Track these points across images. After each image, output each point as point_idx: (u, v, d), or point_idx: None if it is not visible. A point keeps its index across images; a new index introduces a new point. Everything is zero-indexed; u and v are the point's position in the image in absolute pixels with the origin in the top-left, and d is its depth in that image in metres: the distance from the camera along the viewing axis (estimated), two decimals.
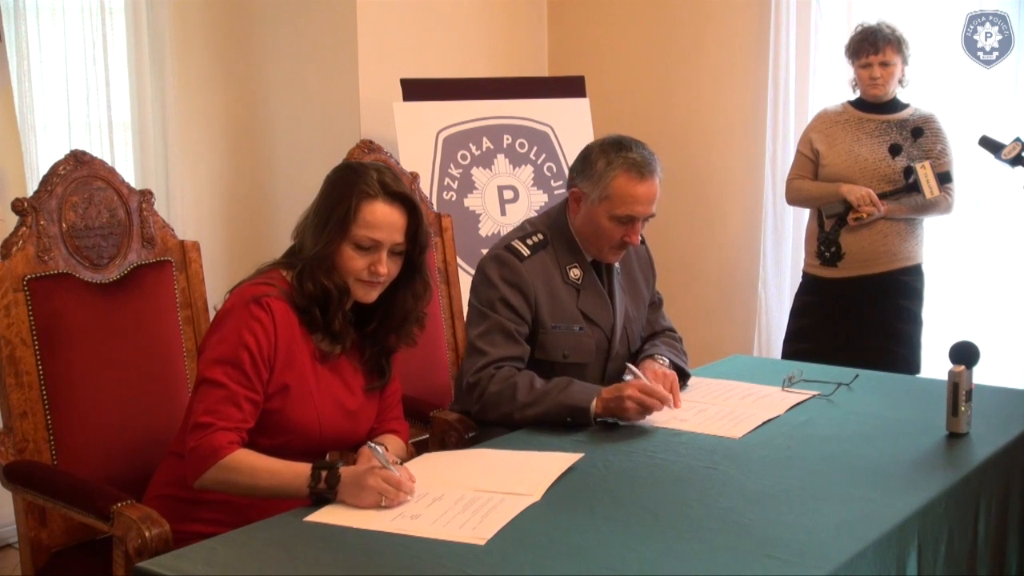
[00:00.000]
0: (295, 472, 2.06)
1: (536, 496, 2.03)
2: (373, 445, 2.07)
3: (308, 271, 2.22)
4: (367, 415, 2.38)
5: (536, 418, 2.56)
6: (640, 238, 2.90)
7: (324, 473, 2.02)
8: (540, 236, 2.76)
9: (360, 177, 2.23)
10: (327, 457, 2.37)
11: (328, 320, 2.24)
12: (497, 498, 2.02)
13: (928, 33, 4.20)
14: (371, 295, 2.27)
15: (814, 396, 2.74)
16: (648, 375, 2.64)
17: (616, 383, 2.57)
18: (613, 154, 2.67)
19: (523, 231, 2.80)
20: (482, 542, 1.84)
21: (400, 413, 2.49)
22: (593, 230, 2.72)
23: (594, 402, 2.51)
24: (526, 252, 2.72)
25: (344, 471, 2.03)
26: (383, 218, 2.21)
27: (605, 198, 2.66)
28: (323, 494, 2.02)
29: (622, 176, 2.64)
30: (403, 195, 2.24)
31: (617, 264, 2.85)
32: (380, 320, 2.34)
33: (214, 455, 2.08)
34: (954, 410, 2.42)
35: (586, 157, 2.73)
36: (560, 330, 2.72)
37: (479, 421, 2.71)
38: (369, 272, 2.23)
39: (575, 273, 2.75)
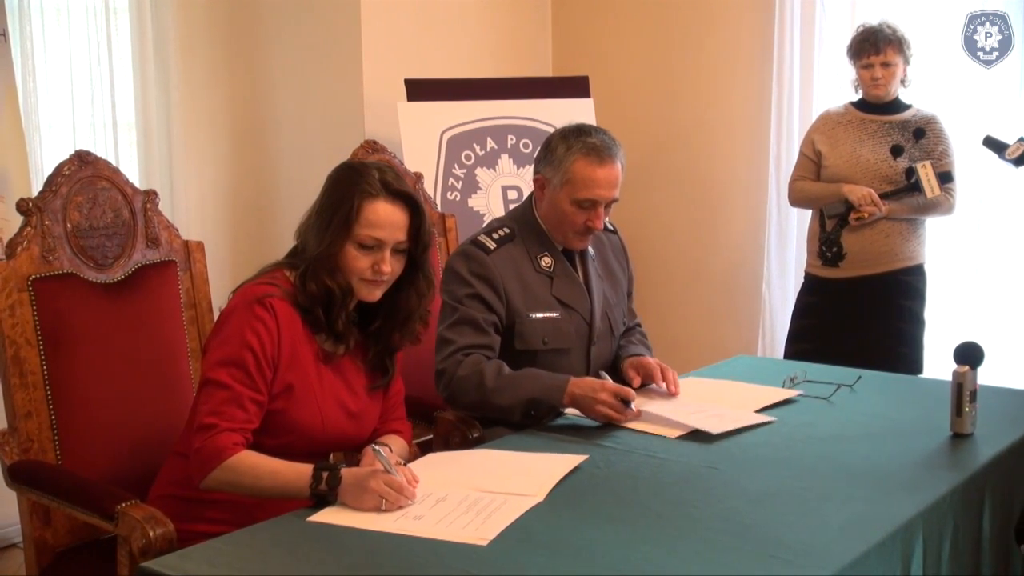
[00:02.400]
0: (297, 473, 2.06)
1: (540, 497, 2.04)
2: (377, 448, 2.07)
3: (311, 271, 2.22)
4: (371, 415, 2.39)
5: (503, 408, 2.61)
6: (612, 228, 2.99)
7: (325, 474, 2.03)
8: (506, 230, 2.81)
9: (362, 176, 2.23)
10: (330, 458, 2.37)
11: (331, 320, 2.24)
12: (500, 499, 2.02)
13: (928, 33, 4.19)
14: (375, 294, 2.27)
15: (795, 398, 2.75)
16: (643, 371, 2.74)
17: (591, 379, 2.60)
18: (573, 139, 2.72)
19: (490, 227, 2.85)
20: (484, 543, 1.84)
21: (403, 413, 2.49)
22: (557, 216, 2.76)
23: (565, 390, 2.55)
24: (492, 245, 2.76)
25: (346, 472, 2.03)
26: (385, 217, 2.21)
27: (566, 183, 2.70)
28: (324, 495, 2.02)
29: (581, 160, 2.69)
30: (405, 193, 2.25)
31: (592, 251, 2.89)
32: (384, 319, 2.34)
33: (218, 456, 2.08)
34: (958, 411, 2.41)
35: (548, 144, 2.78)
36: (537, 318, 2.75)
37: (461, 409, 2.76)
38: (373, 271, 2.23)
39: (546, 262, 2.79)
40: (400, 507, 1.98)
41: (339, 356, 2.30)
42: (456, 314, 2.70)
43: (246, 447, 2.12)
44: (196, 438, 2.12)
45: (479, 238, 2.79)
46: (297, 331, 2.22)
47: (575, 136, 2.72)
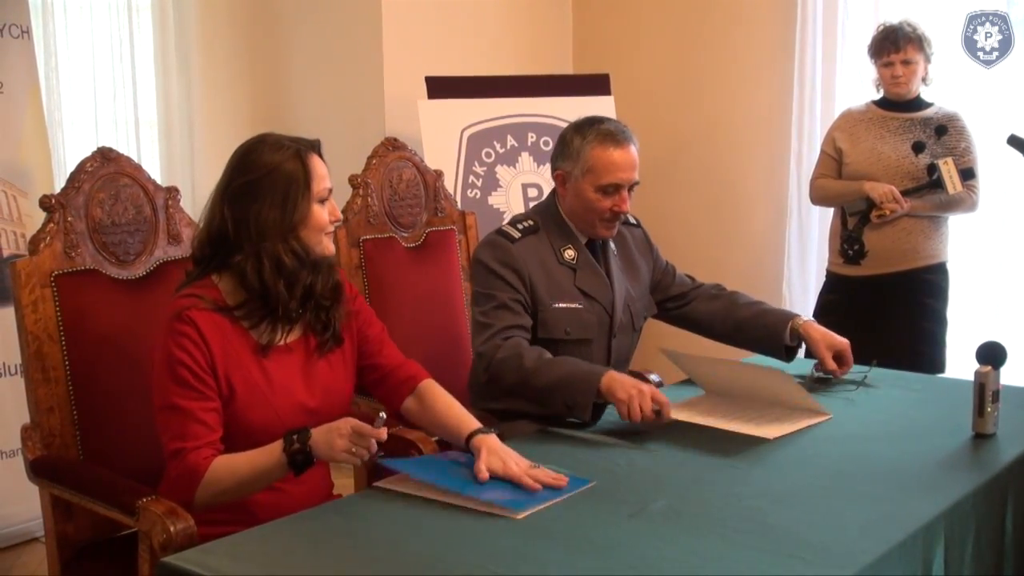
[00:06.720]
0: (269, 448, 2.09)
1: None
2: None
3: (280, 252, 2.18)
4: (338, 388, 2.35)
5: (541, 390, 2.56)
6: (635, 221, 3.01)
7: (295, 436, 2.06)
8: (530, 222, 2.85)
9: (281, 146, 2.22)
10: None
11: (289, 298, 2.20)
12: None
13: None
14: (331, 245, 2.30)
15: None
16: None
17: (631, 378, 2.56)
18: (587, 129, 2.79)
19: (514, 219, 2.89)
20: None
21: (398, 352, 2.46)
22: (583, 206, 2.79)
23: (603, 377, 2.49)
24: (517, 235, 2.80)
25: (315, 429, 2.07)
26: (323, 168, 2.25)
27: (588, 171, 2.75)
28: (299, 454, 2.05)
29: (598, 147, 2.75)
30: (318, 143, 2.29)
31: (613, 246, 2.91)
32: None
33: (195, 476, 2.09)
34: (980, 411, 2.40)
35: (562, 139, 2.84)
36: (560, 307, 2.77)
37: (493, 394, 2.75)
38: (331, 222, 2.26)
39: (569, 254, 2.82)
40: (367, 452, 2.02)
41: (277, 346, 2.26)
42: (490, 300, 2.72)
43: (217, 455, 2.13)
44: (171, 466, 2.12)
45: (504, 228, 2.84)
46: (225, 333, 2.19)
47: (588, 126, 2.79)
